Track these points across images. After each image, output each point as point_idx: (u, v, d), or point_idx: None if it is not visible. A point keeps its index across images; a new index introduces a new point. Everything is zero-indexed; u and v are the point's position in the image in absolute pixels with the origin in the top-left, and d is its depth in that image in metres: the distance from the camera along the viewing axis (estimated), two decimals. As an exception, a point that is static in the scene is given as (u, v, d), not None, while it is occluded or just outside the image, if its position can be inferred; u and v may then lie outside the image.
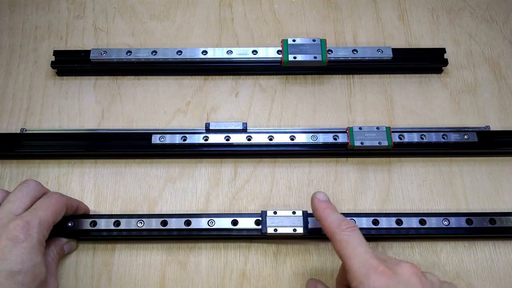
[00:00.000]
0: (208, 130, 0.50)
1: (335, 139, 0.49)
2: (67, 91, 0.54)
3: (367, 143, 0.48)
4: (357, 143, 0.48)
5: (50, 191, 0.44)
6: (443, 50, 0.54)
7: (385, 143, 0.48)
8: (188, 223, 0.45)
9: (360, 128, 0.49)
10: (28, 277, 0.37)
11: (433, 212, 0.48)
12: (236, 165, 0.50)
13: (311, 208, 0.41)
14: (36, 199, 0.41)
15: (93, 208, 0.48)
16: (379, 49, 0.53)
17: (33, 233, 0.38)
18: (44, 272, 0.39)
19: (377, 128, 0.48)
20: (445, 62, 0.54)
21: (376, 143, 0.48)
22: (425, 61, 0.54)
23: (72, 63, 0.54)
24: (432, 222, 0.45)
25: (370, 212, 0.48)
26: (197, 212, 0.48)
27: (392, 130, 0.49)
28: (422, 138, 0.49)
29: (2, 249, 0.36)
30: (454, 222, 0.45)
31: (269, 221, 0.44)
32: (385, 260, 0.36)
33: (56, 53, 0.54)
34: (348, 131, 0.49)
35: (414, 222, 0.45)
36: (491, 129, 0.52)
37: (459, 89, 0.54)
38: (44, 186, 0.44)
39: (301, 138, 0.49)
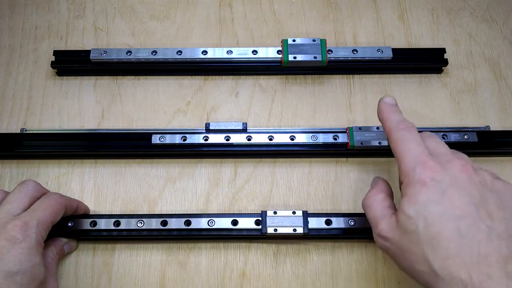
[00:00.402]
0: (208, 130, 0.50)
1: (335, 139, 0.49)
2: (67, 91, 0.54)
3: (367, 143, 0.48)
4: (357, 143, 0.48)
5: (50, 192, 0.44)
6: (443, 50, 0.54)
7: (385, 143, 0.48)
8: (188, 223, 0.45)
9: (360, 128, 0.49)
10: (27, 278, 0.37)
11: (433, 212, 0.48)
12: (236, 165, 0.50)
13: (377, 110, 0.41)
14: (35, 200, 0.41)
15: (93, 208, 0.48)
16: (379, 49, 0.53)
17: (32, 233, 0.38)
18: (43, 273, 0.39)
19: (377, 128, 0.48)
20: (445, 62, 0.54)
21: (376, 143, 0.48)
22: (425, 61, 0.54)
23: (72, 63, 0.54)
24: (432, 222, 0.45)
25: (370, 212, 0.48)
26: (197, 212, 0.48)
27: (392, 130, 0.49)
28: (422, 138, 0.49)
29: (0, 250, 0.37)
30: (454, 222, 0.45)
31: (269, 221, 0.44)
32: (439, 156, 0.36)
33: (56, 53, 0.54)
34: (348, 131, 0.49)
35: (414, 222, 0.45)
36: (491, 129, 0.52)
37: (459, 89, 0.54)
38: (43, 186, 0.44)
39: (301, 138, 0.49)
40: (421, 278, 0.34)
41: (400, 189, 0.37)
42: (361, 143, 0.48)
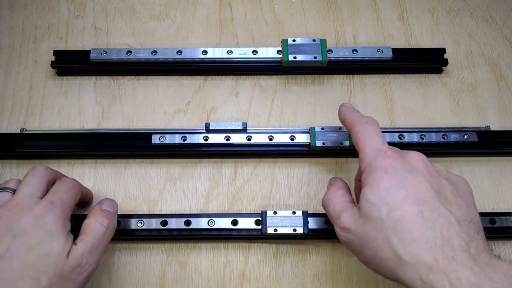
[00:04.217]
0: (208, 130, 0.50)
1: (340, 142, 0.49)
2: (67, 91, 0.54)
3: (329, 144, 0.48)
4: (318, 144, 0.48)
5: (63, 175, 0.44)
6: (443, 50, 0.54)
7: (346, 143, 0.48)
8: (188, 223, 0.45)
9: (322, 129, 0.49)
10: (59, 257, 0.36)
11: (433, 212, 0.48)
12: (236, 165, 0.50)
13: (338, 113, 0.43)
14: (50, 183, 0.41)
15: (93, 208, 0.48)
16: (379, 49, 0.53)
17: (59, 211, 0.38)
18: (73, 252, 0.38)
19: (339, 128, 0.48)
20: (445, 62, 0.54)
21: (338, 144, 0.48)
22: (425, 61, 0.54)
23: (72, 63, 0.54)
24: (432, 222, 0.45)
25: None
26: (197, 212, 0.48)
27: (392, 130, 0.49)
28: (422, 138, 0.49)
29: (25, 227, 0.36)
30: (454, 222, 0.45)
31: (269, 221, 0.45)
32: (397, 150, 0.38)
33: (56, 53, 0.54)
34: (310, 131, 0.48)
35: (414, 222, 0.45)
36: (491, 129, 0.52)
37: (459, 89, 0.54)
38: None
39: (301, 138, 0.49)
40: (385, 266, 0.34)
41: (360, 180, 0.38)
42: (323, 143, 0.48)
